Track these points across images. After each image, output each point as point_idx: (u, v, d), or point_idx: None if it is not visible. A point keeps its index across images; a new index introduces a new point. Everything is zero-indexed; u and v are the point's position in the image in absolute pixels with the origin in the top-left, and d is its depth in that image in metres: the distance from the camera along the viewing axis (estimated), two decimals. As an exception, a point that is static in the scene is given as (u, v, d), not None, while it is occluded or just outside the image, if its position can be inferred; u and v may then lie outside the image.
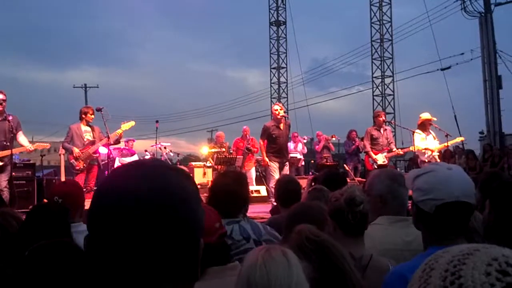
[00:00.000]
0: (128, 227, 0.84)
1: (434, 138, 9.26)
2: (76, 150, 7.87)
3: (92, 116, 8.16)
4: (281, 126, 8.81)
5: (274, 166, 8.72)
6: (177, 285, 0.89)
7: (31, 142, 8.04)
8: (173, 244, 0.87)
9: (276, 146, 8.80)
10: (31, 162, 10.28)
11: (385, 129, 9.97)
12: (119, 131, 8.36)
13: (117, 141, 8.69)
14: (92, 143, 8.05)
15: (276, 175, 8.51)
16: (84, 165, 7.93)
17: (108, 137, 8.01)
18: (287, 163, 9.18)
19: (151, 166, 0.95)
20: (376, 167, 9.46)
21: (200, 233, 0.94)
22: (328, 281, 1.80)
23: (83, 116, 8.12)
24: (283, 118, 8.91)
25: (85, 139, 8.05)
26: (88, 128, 8.17)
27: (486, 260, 0.70)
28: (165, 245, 0.86)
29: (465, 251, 0.73)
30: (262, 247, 1.55)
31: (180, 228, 0.87)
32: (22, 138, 7.54)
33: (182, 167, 7.35)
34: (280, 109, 8.94)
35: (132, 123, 8.63)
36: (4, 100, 7.22)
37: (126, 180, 0.89)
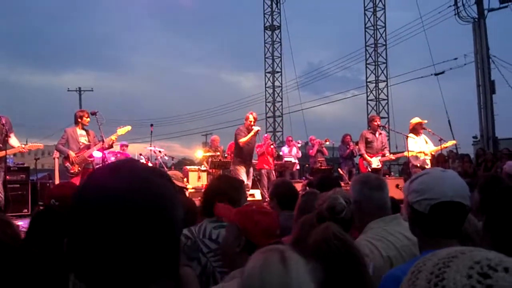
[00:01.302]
0: (115, 228, 0.85)
1: (426, 142, 9.32)
2: (72, 154, 7.85)
3: (88, 119, 8.13)
4: (248, 136, 9.16)
5: (242, 169, 9.12)
6: (161, 284, 0.91)
7: (25, 144, 7.98)
8: (157, 243, 0.88)
9: (244, 152, 9.20)
10: (25, 165, 10.25)
11: (380, 133, 10.03)
12: (114, 136, 8.32)
13: (110, 146, 8.65)
14: (88, 147, 8.02)
15: (245, 178, 8.89)
16: (79, 168, 7.90)
17: (103, 141, 7.98)
18: (251, 168, 9.68)
19: (133, 167, 0.96)
20: (370, 170, 9.50)
21: (180, 231, 0.96)
22: (344, 278, 1.83)
23: (79, 120, 8.09)
24: (253, 127, 9.25)
25: (80, 143, 8.02)
26: (84, 132, 8.15)
27: (469, 263, 0.72)
28: (150, 244, 0.87)
29: (451, 254, 0.76)
30: (263, 250, 1.47)
31: (163, 227, 0.89)
32: (13, 140, 7.39)
33: (176, 171, 7.33)
34: (254, 120, 9.37)
35: (128, 128, 8.60)
36: None
37: (110, 181, 0.90)
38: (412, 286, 0.76)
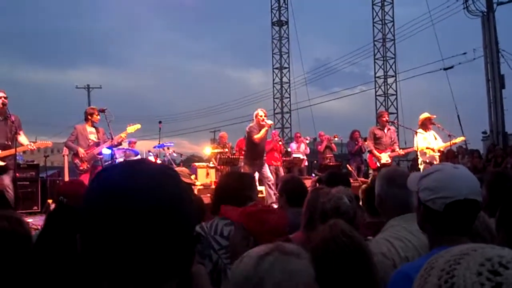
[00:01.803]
0: (132, 225, 0.85)
1: (435, 138, 9.29)
2: (81, 151, 7.91)
3: (98, 117, 8.19)
4: (262, 131, 8.88)
5: (252, 171, 8.89)
6: (173, 282, 0.91)
7: (34, 142, 8.04)
8: (170, 241, 0.88)
9: (258, 150, 9.02)
10: (35, 163, 10.32)
11: (389, 129, 10.01)
12: (124, 134, 8.36)
13: (119, 143, 8.68)
14: (97, 144, 8.07)
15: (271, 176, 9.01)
16: (88, 165, 7.96)
17: (112, 138, 8.03)
18: (265, 164, 9.46)
19: (145, 166, 0.96)
20: (379, 165, 9.48)
21: (193, 228, 0.96)
22: (353, 276, 1.83)
23: (89, 117, 8.15)
24: (265, 124, 8.91)
25: (90, 140, 8.08)
26: (93, 129, 8.20)
27: (480, 260, 0.71)
28: (163, 242, 0.87)
29: (463, 251, 0.75)
30: (270, 246, 1.44)
31: (176, 225, 0.89)
32: (22, 138, 7.45)
33: (184, 168, 7.36)
34: (264, 116, 8.98)
35: (138, 126, 8.63)
36: (5, 98, 7.14)
37: (123, 180, 0.90)
38: (424, 283, 0.76)
